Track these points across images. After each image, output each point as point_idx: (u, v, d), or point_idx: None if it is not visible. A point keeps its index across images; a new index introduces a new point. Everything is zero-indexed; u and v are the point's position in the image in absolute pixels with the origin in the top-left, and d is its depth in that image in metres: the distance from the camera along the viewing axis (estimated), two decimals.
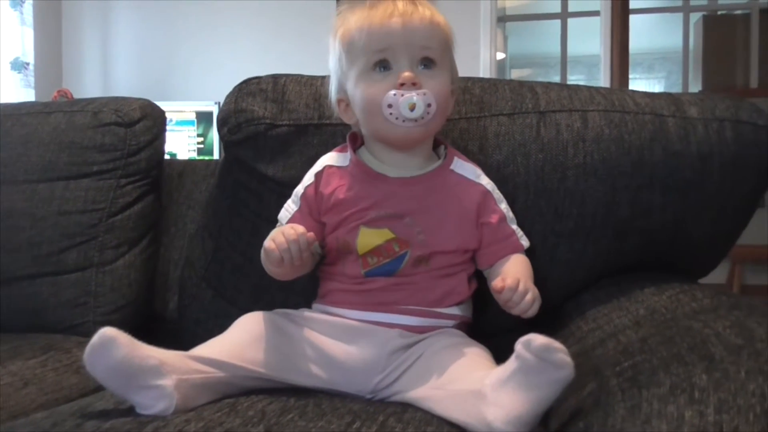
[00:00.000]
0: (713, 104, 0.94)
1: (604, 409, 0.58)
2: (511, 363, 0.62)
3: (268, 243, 0.78)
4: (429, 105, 0.79)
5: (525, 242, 0.87)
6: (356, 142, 0.90)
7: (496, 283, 0.74)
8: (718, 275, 4.23)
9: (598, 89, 0.99)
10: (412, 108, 0.78)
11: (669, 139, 0.91)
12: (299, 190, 0.89)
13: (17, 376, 0.92)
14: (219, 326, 0.83)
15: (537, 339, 0.59)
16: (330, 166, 0.88)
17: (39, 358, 0.99)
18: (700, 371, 0.53)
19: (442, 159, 0.88)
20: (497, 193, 0.88)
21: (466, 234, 0.85)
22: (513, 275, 0.75)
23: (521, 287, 0.74)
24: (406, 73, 0.79)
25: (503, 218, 0.87)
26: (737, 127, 0.92)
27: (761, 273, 4.31)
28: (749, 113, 0.93)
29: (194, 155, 3.22)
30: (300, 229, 0.77)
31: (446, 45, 0.85)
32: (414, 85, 0.79)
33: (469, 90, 0.99)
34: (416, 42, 0.81)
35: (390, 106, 0.79)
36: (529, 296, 0.75)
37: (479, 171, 0.88)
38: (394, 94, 0.79)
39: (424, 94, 0.79)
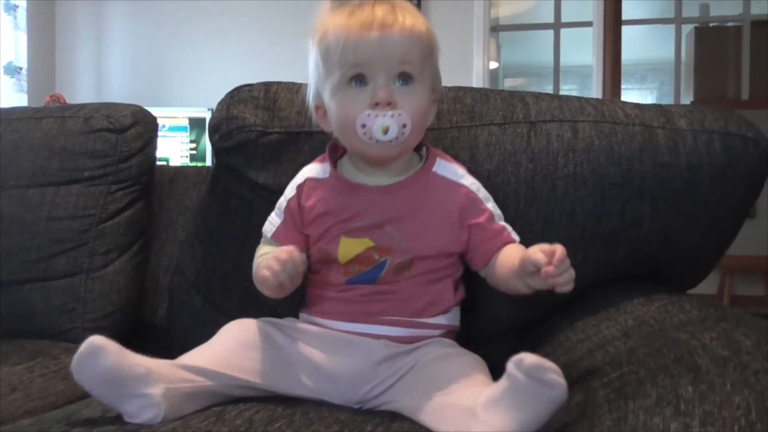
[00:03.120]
0: (702, 116, 0.95)
1: (590, 420, 0.58)
2: (502, 382, 0.62)
3: (263, 273, 0.77)
4: (404, 125, 0.77)
5: (516, 237, 0.85)
6: (337, 151, 0.89)
7: (536, 255, 0.69)
8: (708, 286, 4.24)
9: (588, 100, 0.99)
10: (385, 131, 0.77)
11: (658, 150, 0.91)
12: (282, 203, 0.89)
13: (4, 382, 0.92)
14: (208, 333, 0.83)
15: (528, 358, 0.58)
16: (311, 179, 0.87)
17: (26, 364, 0.99)
18: (686, 383, 0.54)
19: (423, 161, 0.87)
20: (483, 192, 0.86)
21: (448, 237, 0.83)
22: (557, 245, 0.70)
23: (566, 264, 0.69)
24: (381, 93, 0.77)
25: (491, 216, 0.85)
26: (726, 139, 0.92)
27: (751, 284, 4.33)
28: (738, 125, 0.94)
29: (187, 161, 3.21)
30: (289, 247, 0.77)
31: (428, 54, 0.82)
32: (389, 104, 0.77)
33: (460, 100, 1.00)
34: (394, 57, 0.78)
35: (364, 126, 0.77)
36: (571, 269, 0.70)
37: (462, 171, 0.87)
38: (368, 115, 0.77)
39: (400, 114, 0.77)
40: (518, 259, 0.75)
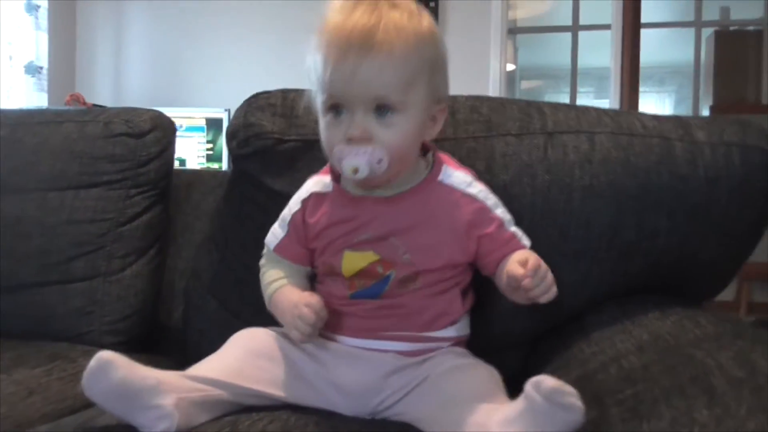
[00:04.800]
0: (721, 128, 0.94)
1: None
2: (519, 402, 0.62)
3: (293, 333, 0.78)
4: (380, 161, 0.74)
5: (527, 242, 0.84)
6: None
7: (515, 269, 0.72)
8: (726, 293, 4.13)
9: (606, 111, 0.99)
10: (355, 171, 0.73)
11: (676, 162, 0.91)
12: (286, 215, 0.88)
13: (22, 385, 0.93)
14: (223, 337, 0.84)
15: (547, 381, 0.59)
16: (315, 194, 0.86)
17: (44, 367, 1.00)
18: (701, 406, 0.53)
19: (428, 169, 0.84)
20: (491, 199, 0.84)
21: (455, 249, 0.81)
22: (534, 257, 0.73)
23: (542, 268, 0.72)
24: (353, 130, 0.74)
25: (501, 224, 0.83)
26: (745, 152, 0.91)
27: None
28: (757, 137, 0.93)
29: (203, 162, 3.23)
30: (315, 305, 0.76)
31: (419, 71, 0.76)
32: (365, 139, 0.74)
33: (477, 109, 1.00)
34: (369, 89, 0.73)
35: (339, 160, 0.75)
36: (549, 276, 0.73)
37: (470, 177, 0.84)
38: (340, 150, 0.74)
39: (373, 151, 0.73)
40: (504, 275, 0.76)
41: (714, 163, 0.91)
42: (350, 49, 0.72)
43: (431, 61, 0.78)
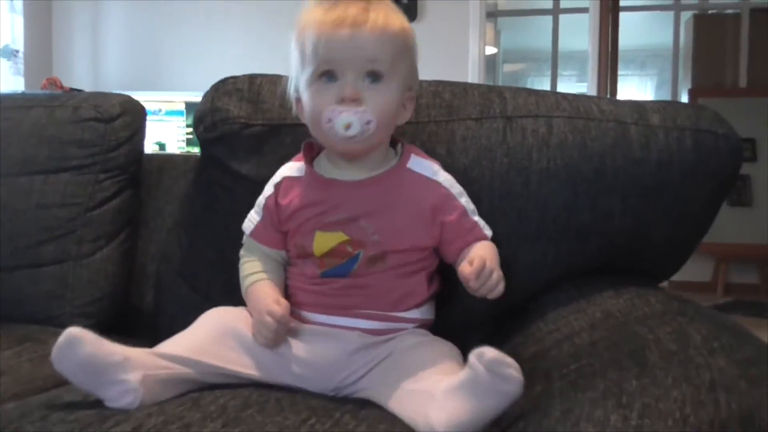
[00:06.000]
0: (675, 112, 0.97)
1: (543, 410, 0.61)
2: (463, 372, 0.65)
3: (256, 337, 0.81)
4: (368, 122, 0.79)
5: (488, 231, 0.88)
6: (313, 150, 0.91)
7: (463, 269, 0.77)
8: (702, 274, 4.27)
9: (565, 95, 1.01)
10: (348, 127, 0.79)
11: (630, 146, 0.93)
12: (261, 201, 0.91)
13: None
14: (194, 320, 0.85)
15: (489, 352, 0.61)
16: (288, 178, 0.90)
17: (15, 349, 1.01)
18: (632, 377, 0.56)
19: (398, 158, 0.89)
20: (456, 188, 0.88)
21: (421, 232, 0.85)
22: (480, 257, 0.77)
23: (486, 268, 0.76)
24: (347, 90, 0.79)
25: (464, 212, 0.87)
26: (697, 136, 0.94)
27: (746, 272, 4.36)
28: (710, 122, 0.96)
29: (183, 146, 3.23)
30: (277, 313, 0.79)
31: (400, 53, 0.83)
32: (355, 101, 0.79)
33: (439, 94, 1.01)
34: (363, 55, 0.80)
35: (329, 120, 0.79)
36: (495, 276, 0.77)
37: (437, 167, 0.89)
38: (333, 110, 0.79)
39: (364, 111, 0.79)
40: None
41: (667, 147, 0.93)
42: (345, 21, 0.79)
43: (410, 49, 0.85)
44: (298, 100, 0.88)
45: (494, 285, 0.77)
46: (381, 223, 0.84)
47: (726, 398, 0.51)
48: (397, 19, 0.83)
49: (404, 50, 0.84)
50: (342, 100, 0.79)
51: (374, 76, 0.81)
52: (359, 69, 0.80)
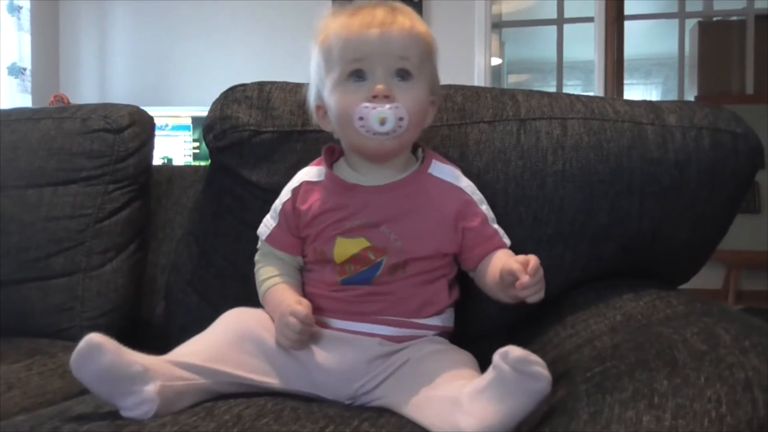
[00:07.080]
0: (692, 112, 0.95)
1: (569, 414, 0.59)
2: (488, 374, 0.63)
3: (280, 339, 0.80)
4: (401, 119, 0.78)
5: (507, 241, 0.87)
6: (333, 155, 0.90)
7: (513, 266, 0.72)
8: (714, 281, 4.23)
9: (579, 97, 1.00)
10: (383, 122, 0.78)
11: (647, 146, 0.92)
12: (277, 205, 0.90)
13: (2, 380, 0.93)
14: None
15: (514, 351, 0.60)
16: (307, 182, 0.88)
17: (24, 362, 1.00)
18: (662, 377, 0.54)
19: (419, 163, 0.87)
20: (477, 195, 0.87)
21: (444, 238, 0.84)
22: (534, 259, 0.73)
23: (541, 270, 0.72)
24: (380, 86, 0.78)
25: (485, 220, 0.86)
26: (715, 135, 0.92)
27: (757, 279, 4.31)
28: (727, 121, 0.94)
29: (190, 160, 3.23)
30: (300, 314, 0.77)
31: (426, 55, 0.83)
32: (387, 97, 0.78)
33: (451, 98, 1.00)
34: (393, 53, 0.79)
35: (361, 118, 0.78)
36: (542, 278, 0.73)
37: (458, 172, 0.88)
38: (366, 107, 0.78)
39: (397, 107, 0.78)
40: (498, 271, 0.77)
41: (684, 147, 0.92)
42: (373, 22, 0.79)
43: (433, 53, 0.85)
44: (319, 107, 0.88)
45: (542, 287, 0.73)
46: (404, 229, 0.83)
47: (763, 397, 0.49)
48: (421, 23, 0.83)
49: (429, 53, 0.84)
50: (374, 97, 0.78)
51: (403, 74, 0.80)
52: (389, 66, 0.80)
